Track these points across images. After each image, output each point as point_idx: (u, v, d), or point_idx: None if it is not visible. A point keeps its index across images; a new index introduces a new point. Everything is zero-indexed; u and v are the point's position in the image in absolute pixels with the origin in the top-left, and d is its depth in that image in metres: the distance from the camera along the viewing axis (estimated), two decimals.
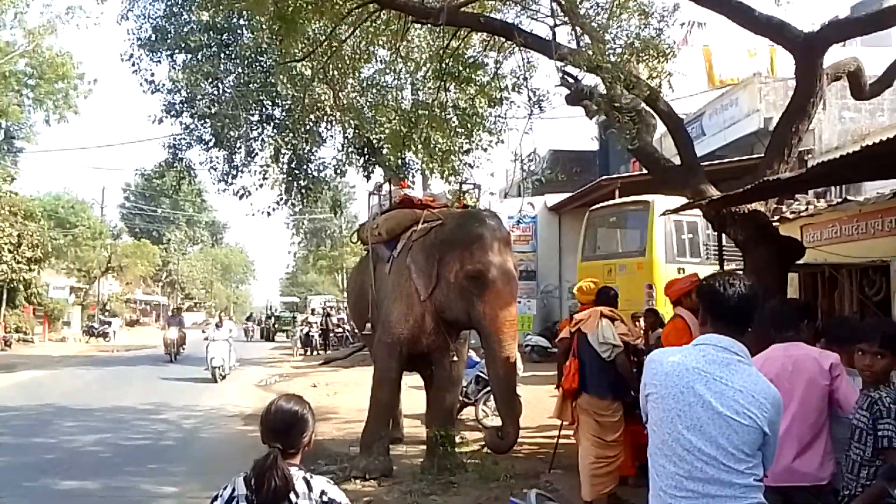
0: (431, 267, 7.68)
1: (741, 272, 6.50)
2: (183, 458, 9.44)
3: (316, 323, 29.45)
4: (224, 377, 17.65)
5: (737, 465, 2.56)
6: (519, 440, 7.44)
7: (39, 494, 7.57)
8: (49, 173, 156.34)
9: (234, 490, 2.67)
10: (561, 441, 8.09)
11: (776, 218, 9.20)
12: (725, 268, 8.15)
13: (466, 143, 11.57)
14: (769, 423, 2.60)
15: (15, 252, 29.44)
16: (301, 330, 28.92)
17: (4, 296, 31.61)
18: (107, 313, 43.30)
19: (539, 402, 10.79)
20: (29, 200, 33.30)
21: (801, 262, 7.55)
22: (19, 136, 36.44)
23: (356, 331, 21.35)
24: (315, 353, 27.53)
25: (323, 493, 2.68)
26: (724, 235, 7.77)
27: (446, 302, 7.62)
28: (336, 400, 14.10)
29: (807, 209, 10.26)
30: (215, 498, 2.70)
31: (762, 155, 7.56)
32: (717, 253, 8.51)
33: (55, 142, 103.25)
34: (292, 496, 2.61)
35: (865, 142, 8.15)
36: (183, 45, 16.98)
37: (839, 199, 10.23)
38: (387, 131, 12.24)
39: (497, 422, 7.94)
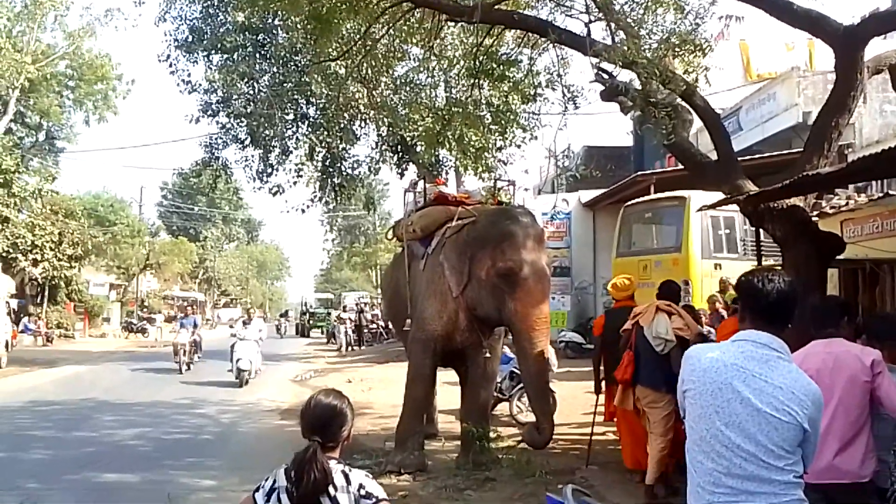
0: (463, 264, 7.69)
1: (780, 268, 6.42)
2: (221, 453, 9.57)
3: (349, 319, 29.68)
4: (248, 382, 16.39)
5: (776, 461, 2.54)
6: (554, 436, 7.43)
7: (80, 487, 7.69)
8: (89, 173, 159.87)
9: (275, 482, 2.72)
10: (595, 437, 8.07)
11: (815, 213, 9.04)
12: (764, 264, 8.04)
13: (500, 139, 11.50)
14: (809, 419, 2.57)
15: (56, 250, 30.06)
16: (344, 327, 28.94)
17: (46, 292, 32.38)
18: (145, 310, 43.98)
19: (574, 398, 10.76)
20: (69, 199, 33.91)
21: (841, 257, 7.43)
22: (60, 136, 37.39)
23: (390, 327, 21.51)
24: (350, 348, 27.80)
25: (361, 486, 2.70)
26: (761, 231, 7.67)
27: (478, 299, 7.62)
28: (371, 395, 14.18)
29: (847, 204, 10.09)
30: (257, 489, 2.75)
31: (801, 150, 7.45)
32: (754, 249, 8.39)
33: (95, 142, 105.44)
34: (331, 489, 2.65)
35: None
36: (219, 46, 17.15)
37: (880, 194, 10.04)
38: (420, 129, 12.21)
39: (531, 418, 7.94)
